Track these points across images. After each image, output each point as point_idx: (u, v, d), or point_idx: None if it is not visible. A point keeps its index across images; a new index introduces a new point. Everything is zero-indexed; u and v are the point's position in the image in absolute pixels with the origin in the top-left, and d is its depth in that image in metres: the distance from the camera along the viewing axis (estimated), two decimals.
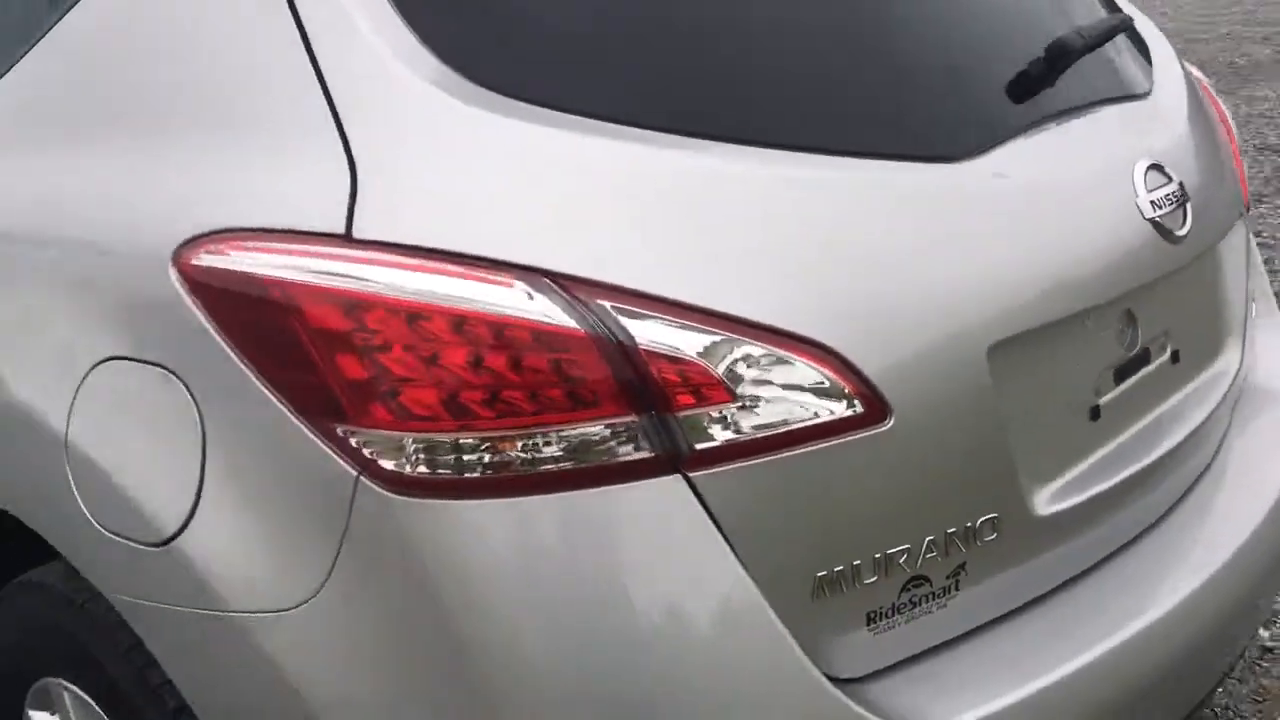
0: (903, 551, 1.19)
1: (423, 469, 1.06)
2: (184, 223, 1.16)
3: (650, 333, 1.06)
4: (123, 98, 1.28)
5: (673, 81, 1.21)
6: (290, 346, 1.08)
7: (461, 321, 1.04)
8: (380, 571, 1.08)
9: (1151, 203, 1.42)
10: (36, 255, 1.31)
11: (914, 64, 1.35)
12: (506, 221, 1.09)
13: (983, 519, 1.25)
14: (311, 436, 1.08)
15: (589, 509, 1.07)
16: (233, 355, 1.11)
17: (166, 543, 1.16)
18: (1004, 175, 1.31)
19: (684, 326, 1.07)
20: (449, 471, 1.05)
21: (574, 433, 1.05)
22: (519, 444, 1.05)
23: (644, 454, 1.06)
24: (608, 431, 1.05)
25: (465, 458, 1.05)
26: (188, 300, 1.14)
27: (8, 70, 1.41)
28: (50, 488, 1.27)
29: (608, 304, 1.06)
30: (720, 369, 1.08)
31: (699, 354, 1.07)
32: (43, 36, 1.36)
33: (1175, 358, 1.55)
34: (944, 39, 1.41)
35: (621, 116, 1.14)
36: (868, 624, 1.20)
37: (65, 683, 1.41)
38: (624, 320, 1.06)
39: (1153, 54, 1.77)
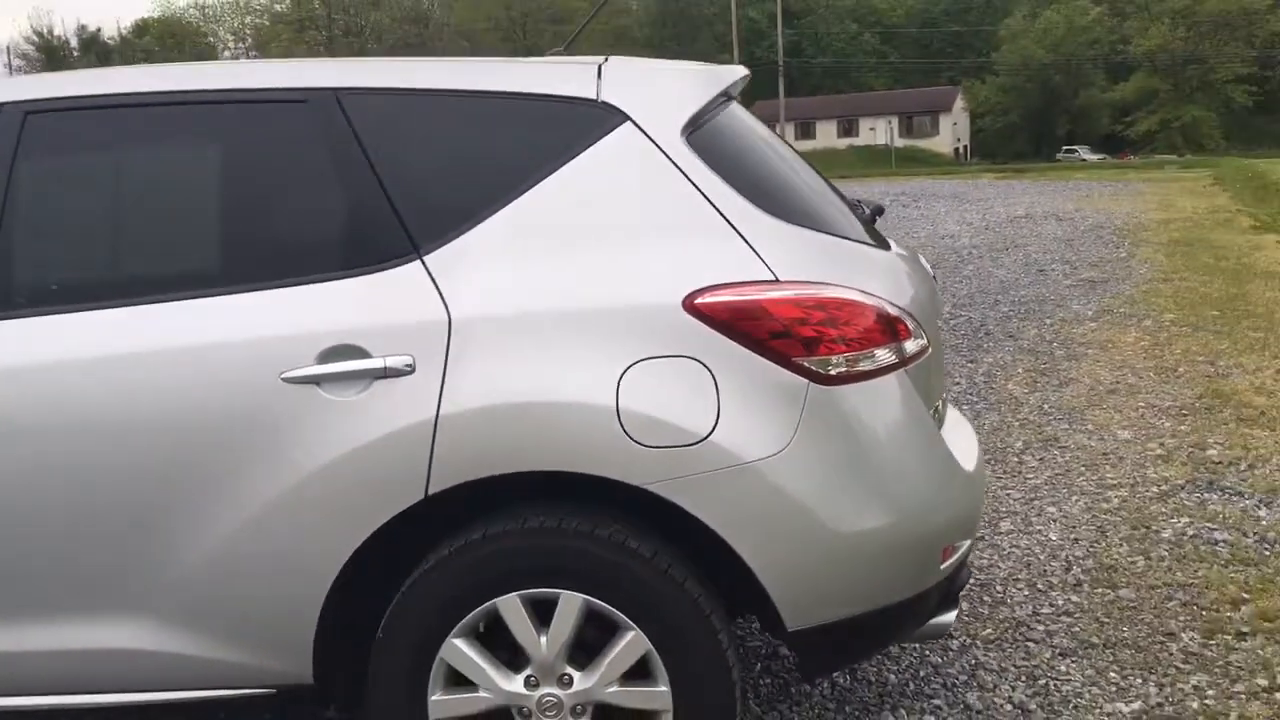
0: None
1: (835, 372, 2.44)
2: (682, 285, 2.41)
3: (884, 307, 2.57)
4: (599, 224, 2.47)
5: (825, 219, 2.77)
6: (769, 328, 2.40)
7: (843, 305, 2.47)
8: (825, 425, 2.43)
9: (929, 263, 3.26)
10: (577, 317, 2.40)
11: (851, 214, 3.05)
12: (826, 269, 2.53)
13: None
14: (783, 369, 2.41)
15: (879, 386, 2.53)
16: (729, 340, 2.40)
17: (704, 439, 2.37)
18: (902, 256, 3.03)
19: (884, 304, 2.59)
20: (843, 370, 2.45)
21: (876, 352, 2.52)
22: (862, 358, 2.49)
23: (895, 360, 2.55)
24: (886, 351, 2.53)
25: (846, 366, 2.46)
26: (696, 322, 2.39)
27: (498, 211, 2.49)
28: (603, 437, 2.36)
29: (876, 297, 2.55)
30: (904, 320, 2.61)
31: (898, 314, 2.60)
32: (528, 191, 2.49)
33: None
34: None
35: (815, 227, 2.66)
36: None
37: (541, 591, 2.43)
38: (880, 303, 2.55)
39: None
